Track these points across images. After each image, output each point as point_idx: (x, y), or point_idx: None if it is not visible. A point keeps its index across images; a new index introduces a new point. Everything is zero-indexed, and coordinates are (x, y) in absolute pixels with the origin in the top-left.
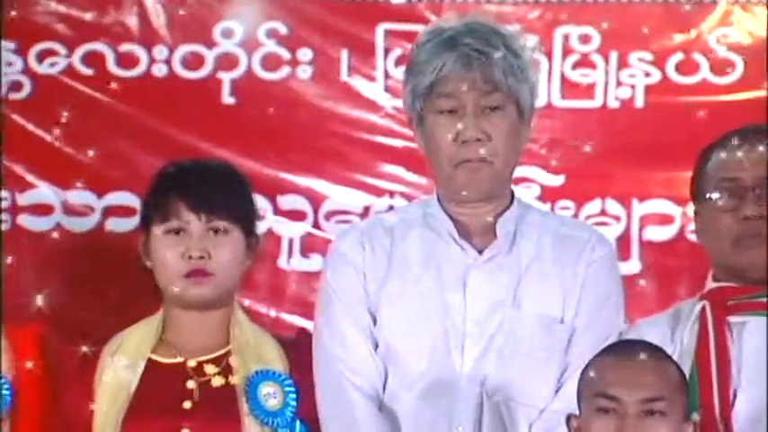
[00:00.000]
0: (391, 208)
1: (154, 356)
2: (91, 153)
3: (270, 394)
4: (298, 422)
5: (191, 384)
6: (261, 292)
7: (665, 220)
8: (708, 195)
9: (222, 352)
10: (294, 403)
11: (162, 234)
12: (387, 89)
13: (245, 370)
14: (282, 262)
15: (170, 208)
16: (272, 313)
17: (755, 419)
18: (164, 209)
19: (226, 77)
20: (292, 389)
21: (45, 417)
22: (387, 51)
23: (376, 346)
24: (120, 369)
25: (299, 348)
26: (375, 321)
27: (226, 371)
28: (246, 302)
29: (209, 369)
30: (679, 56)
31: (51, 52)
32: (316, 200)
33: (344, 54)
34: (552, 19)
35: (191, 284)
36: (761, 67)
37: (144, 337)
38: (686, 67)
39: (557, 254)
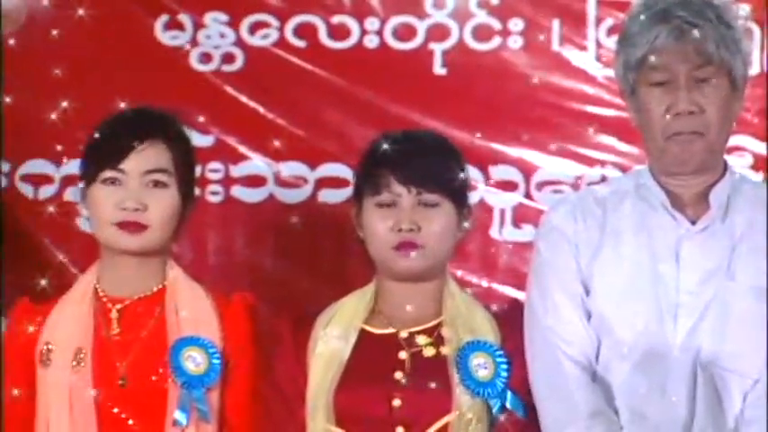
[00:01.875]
0: (603, 178)
1: (366, 327)
2: (303, 125)
3: (481, 365)
4: (509, 393)
5: (402, 355)
6: (473, 262)
7: None
8: None
9: (434, 323)
10: (505, 374)
11: (373, 207)
12: (598, 59)
13: (457, 341)
14: (494, 232)
15: (381, 181)
16: (484, 284)
17: None
18: (375, 182)
19: (437, 48)
20: (503, 359)
21: (256, 386)
22: (598, 21)
23: (589, 317)
24: (332, 339)
25: (511, 319)
26: (588, 292)
27: (437, 341)
28: (458, 273)
29: (421, 340)
30: None
31: (263, 24)
32: (527, 170)
33: (556, 24)
34: None
35: (400, 257)
36: None
37: (357, 307)
38: None
39: None
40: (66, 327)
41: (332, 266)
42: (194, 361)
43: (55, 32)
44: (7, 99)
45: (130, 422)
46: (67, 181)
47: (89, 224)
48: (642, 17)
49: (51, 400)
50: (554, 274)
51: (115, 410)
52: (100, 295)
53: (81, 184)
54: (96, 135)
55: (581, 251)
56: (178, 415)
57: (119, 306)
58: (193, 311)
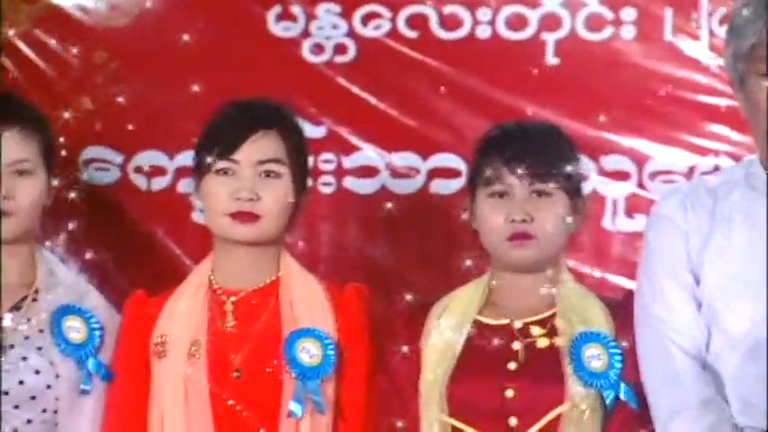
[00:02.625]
0: (716, 168)
1: (480, 318)
2: (415, 115)
3: (594, 356)
4: (622, 384)
5: (516, 345)
6: (585, 252)
7: None
8: None
9: (548, 313)
10: (619, 365)
11: (486, 197)
12: (711, 48)
13: (570, 332)
14: (607, 222)
15: (493, 172)
16: (597, 274)
17: None
18: (487, 172)
19: (550, 38)
20: (617, 350)
21: (370, 376)
22: (711, 10)
23: (699, 306)
24: (446, 330)
25: (624, 310)
26: (698, 282)
27: (551, 332)
28: (571, 263)
29: (535, 330)
30: None
31: (375, 15)
32: (640, 160)
33: (669, 13)
34: None
35: (514, 247)
36: None
37: (471, 298)
38: None
39: None
40: (182, 319)
41: (444, 257)
42: (309, 352)
43: (167, 24)
44: (121, 88)
45: (245, 414)
46: (181, 172)
47: (203, 216)
48: (750, 8)
49: (166, 391)
50: (663, 264)
51: (230, 402)
52: (214, 287)
53: (194, 176)
54: (209, 126)
55: (691, 241)
56: (293, 406)
57: (233, 298)
58: (308, 303)
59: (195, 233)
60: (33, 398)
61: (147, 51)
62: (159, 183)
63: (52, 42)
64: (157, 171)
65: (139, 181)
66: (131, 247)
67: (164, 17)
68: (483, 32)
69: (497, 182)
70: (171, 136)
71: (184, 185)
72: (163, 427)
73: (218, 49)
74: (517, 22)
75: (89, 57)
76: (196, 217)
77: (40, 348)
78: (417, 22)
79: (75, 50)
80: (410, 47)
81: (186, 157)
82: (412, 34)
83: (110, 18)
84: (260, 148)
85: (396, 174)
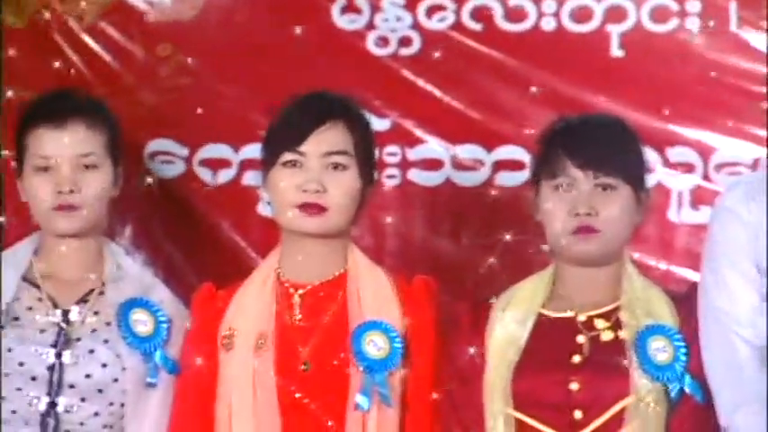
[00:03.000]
0: None
1: (544, 311)
2: (479, 108)
3: (659, 348)
4: (687, 377)
5: (580, 339)
6: (650, 244)
7: None
8: None
9: (612, 307)
10: (684, 358)
11: (550, 190)
12: None
13: (635, 324)
14: (672, 215)
15: (557, 165)
16: (662, 266)
17: None
18: (551, 165)
19: (615, 30)
20: (682, 343)
21: (437, 368)
22: None
23: (763, 299)
24: (510, 323)
25: (689, 302)
26: (762, 274)
27: (615, 325)
28: (636, 255)
29: (599, 323)
30: None
31: (440, 7)
32: (705, 152)
33: (733, 5)
34: None
35: (578, 241)
36: None
37: (535, 291)
38: None
39: None
40: (249, 312)
41: (509, 250)
42: (376, 345)
43: (231, 17)
44: (186, 81)
45: (312, 407)
46: (246, 165)
47: (270, 208)
48: None
49: (234, 384)
50: (727, 256)
51: (297, 395)
52: (282, 280)
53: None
54: (276, 118)
55: (755, 233)
56: (360, 399)
57: (301, 291)
58: (375, 296)
59: (260, 226)
60: (100, 391)
61: (211, 44)
62: (224, 175)
63: (117, 35)
64: (222, 164)
65: (204, 174)
66: (196, 241)
67: (228, 10)
68: (548, 24)
69: (561, 174)
70: (236, 128)
71: (250, 178)
72: (230, 419)
73: (282, 42)
74: (582, 14)
75: (153, 50)
76: (261, 210)
77: (106, 341)
78: (482, 14)
79: (139, 43)
80: (475, 39)
81: (251, 150)
82: (476, 26)
83: (176, 12)
84: (327, 139)
85: (460, 166)
